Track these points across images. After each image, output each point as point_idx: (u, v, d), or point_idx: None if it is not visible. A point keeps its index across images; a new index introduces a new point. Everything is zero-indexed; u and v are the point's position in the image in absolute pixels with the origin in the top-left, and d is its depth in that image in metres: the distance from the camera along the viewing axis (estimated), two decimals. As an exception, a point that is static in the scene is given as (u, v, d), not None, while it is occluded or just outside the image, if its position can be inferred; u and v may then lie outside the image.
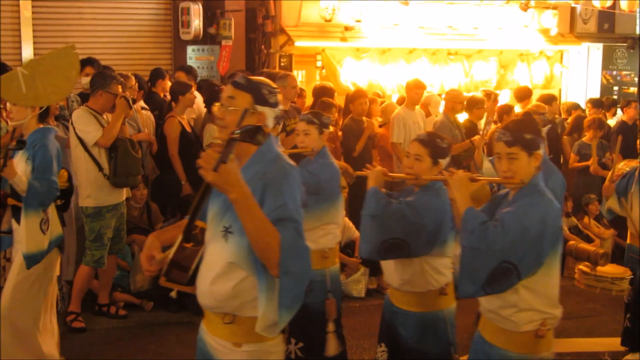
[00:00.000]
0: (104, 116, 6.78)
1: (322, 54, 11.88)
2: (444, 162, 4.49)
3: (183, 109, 7.49)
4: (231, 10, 11.15)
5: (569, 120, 11.04)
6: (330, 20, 11.79)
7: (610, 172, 6.89)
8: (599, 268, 6.23)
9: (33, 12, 10.33)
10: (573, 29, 14.60)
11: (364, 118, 8.69)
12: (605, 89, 15.43)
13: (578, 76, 15.32)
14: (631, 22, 15.13)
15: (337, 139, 8.73)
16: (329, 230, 5.43)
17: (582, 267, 6.41)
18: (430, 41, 12.55)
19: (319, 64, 12.01)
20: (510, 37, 13.36)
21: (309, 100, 9.64)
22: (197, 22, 10.94)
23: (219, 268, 3.21)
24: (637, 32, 15.28)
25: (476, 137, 8.94)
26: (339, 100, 9.48)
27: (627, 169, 7.30)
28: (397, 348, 4.63)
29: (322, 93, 8.92)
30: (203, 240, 3.36)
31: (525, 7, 12.98)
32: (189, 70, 9.14)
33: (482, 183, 4.00)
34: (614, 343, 6.76)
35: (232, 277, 3.20)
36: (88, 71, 7.74)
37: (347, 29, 11.77)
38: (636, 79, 15.26)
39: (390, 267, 4.61)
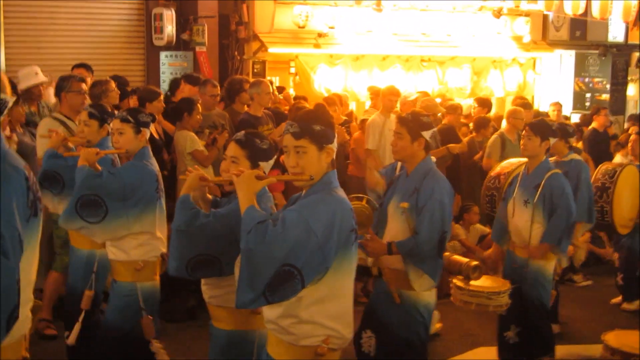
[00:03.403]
0: (76, 120, 6.73)
1: (295, 60, 11.89)
2: (266, 165, 3.93)
3: (152, 115, 7.45)
4: (204, 17, 11.13)
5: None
6: (303, 27, 11.81)
7: None
8: (473, 282, 5.66)
9: (5, 17, 10.23)
10: (545, 36, 14.76)
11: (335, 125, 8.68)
12: (578, 95, 15.59)
13: (551, 83, 15.46)
14: (603, 29, 15.29)
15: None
16: (144, 241, 4.95)
17: (457, 281, 5.82)
18: (403, 48, 12.63)
19: (292, 70, 12.02)
20: (484, 44, 13.47)
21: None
22: (170, 28, 10.91)
23: None
24: (609, 39, 15.44)
25: (454, 145, 8.93)
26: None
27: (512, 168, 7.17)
28: None
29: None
30: None
31: (498, 15, 13.11)
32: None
33: (270, 181, 3.54)
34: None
35: None
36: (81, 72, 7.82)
37: (320, 35, 11.81)
38: (608, 86, 15.41)
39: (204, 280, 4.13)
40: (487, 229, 9.10)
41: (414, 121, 4.97)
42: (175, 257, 3.88)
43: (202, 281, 4.12)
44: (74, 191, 4.89)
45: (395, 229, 4.91)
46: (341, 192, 3.47)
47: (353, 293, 3.55)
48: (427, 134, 4.96)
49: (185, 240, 3.83)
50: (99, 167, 5.02)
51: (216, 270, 3.89)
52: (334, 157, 3.52)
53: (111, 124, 5.17)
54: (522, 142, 6.19)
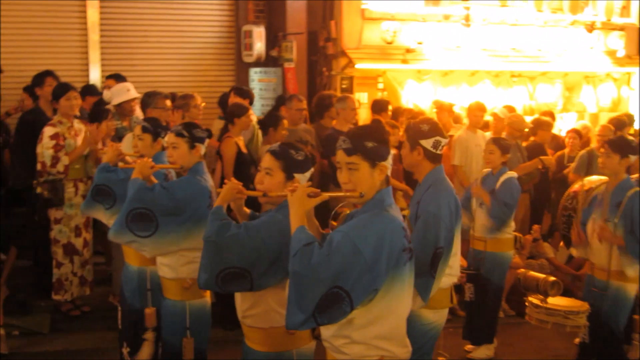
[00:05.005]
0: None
1: (383, 76, 11.86)
2: (301, 177, 3.84)
3: (239, 130, 7.55)
4: (293, 33, 11.25)
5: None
6: (391, 43, 11.80)
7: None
8: (550, 300, 5.55)
9: (101, 36, 10.59)
10: (641, 50, 14.31)
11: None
12: (676, 112, 15.04)
13: (647, 99, 15.00)
14: (702, 43, 14.75)
15: (399, 160, 8.69)
16: (192, 258, 4.79)
17: (533, 299, 5.69)
18: (493, 63, 12.45)
19: (380, 86, 11.98)
20: (576, 59, 13.17)
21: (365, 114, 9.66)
22: (259, 45, 11.10)
23: None
24: None
25: (545, 157, 8.79)
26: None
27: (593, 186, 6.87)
28: None
29: (380, 107, 9.24)
30: None
31: (590, 29, 12.85)
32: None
33: (323, 199, 3.44)
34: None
35: None
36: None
37: (408, 51, 11.77)
38: None
39: (237, 296, 4.04)
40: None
41: (413, 129, 4.74)
42: (205, 269, 3.78)
43: (236, 299, 4.03)
44: (125, 203, 4.83)
45: None
46: (394, 211, 3.41)
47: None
48: (426, 143, 4.65)
49: (215, 252, 3.74)
50: (155, 180, 4.98)
51: (247, 285, 3.78)
52: (389, 174, 3.46)
53: (166, 138, 5.13)
54: (600, 160, 6.00)
